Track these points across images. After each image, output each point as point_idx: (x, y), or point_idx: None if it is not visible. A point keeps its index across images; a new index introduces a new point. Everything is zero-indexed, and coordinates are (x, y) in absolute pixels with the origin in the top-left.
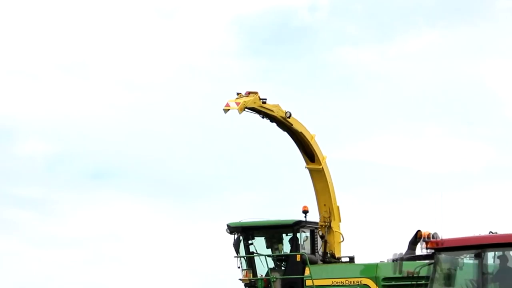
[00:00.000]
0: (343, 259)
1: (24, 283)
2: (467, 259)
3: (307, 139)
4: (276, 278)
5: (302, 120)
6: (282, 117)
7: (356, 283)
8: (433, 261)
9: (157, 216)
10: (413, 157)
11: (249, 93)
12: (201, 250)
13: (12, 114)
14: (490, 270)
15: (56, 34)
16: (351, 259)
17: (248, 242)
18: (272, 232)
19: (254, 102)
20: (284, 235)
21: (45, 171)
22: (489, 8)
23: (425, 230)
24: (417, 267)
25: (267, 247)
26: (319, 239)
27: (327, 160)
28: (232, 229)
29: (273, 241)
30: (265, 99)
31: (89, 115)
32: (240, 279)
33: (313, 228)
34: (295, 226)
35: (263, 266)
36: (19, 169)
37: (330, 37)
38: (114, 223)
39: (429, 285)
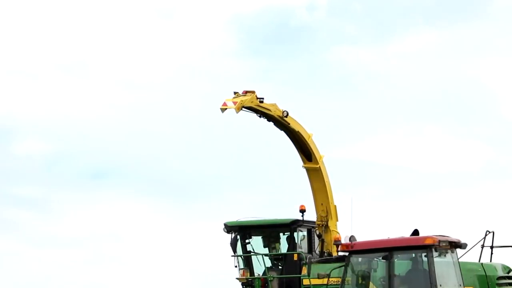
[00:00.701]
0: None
1: (23, 283)
2: (377, 261)
3: (304, 138)
4: (273, 277)
5: (301, 119)
6: (279, 116)
7: None
8: (344, 263)
9: (156, 216)
10: (411, 157)
11: (246, 92)
12: (199, 249)
13: (11, 113)
14: (397, 271)
15: (56, 33)
16: None
17: (245, 241)
18: (269, 231)
19: (251, 101)
20: (281, 234)
21: (44, 170)
22: (487, 7)
23: (338, 235)
24: (329, 269)
25: (264, 246)
26: (316, 238)
27: (324, 159)
28: (229, 228)
29: (270, 240)
30: (262, 98)
31: (89, 114)
32: (237, 278)
33: (310, 227)
34: (292, 225)
35: (260, 265)
36: (18, 168)
37: (328, 36)
38: (113, 223)
39: (340, 286)
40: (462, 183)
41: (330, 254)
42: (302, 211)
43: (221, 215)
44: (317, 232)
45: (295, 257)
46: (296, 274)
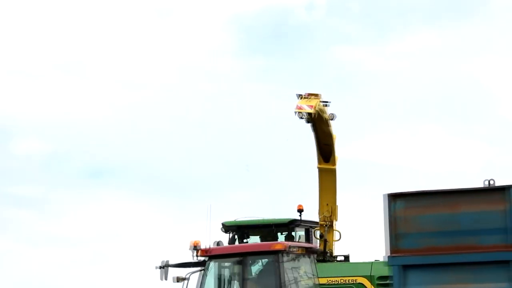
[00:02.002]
0: (338, 258)
1: (21, 282)
2: (233, 266)
3: (332, 140)
4: None
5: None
6: (326, 119)
7: (351, 282)
8: (203, 267)
9: (155, 215)
10: (411, 156)
11: (310, 94)
12: None
13: (10, 113)
14: (250, 276)
15: (54, 33)
16: (346, 258)
17: (243, 241)
18: (267, 230)
19: (319, 105)
20: (279, 233)
21: (43, 170)
22: (485, 7)
23: (196, 239)
24: (188, 273)
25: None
26: (314, 238)
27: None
28: (227, 227)
29: (268, 239)
30: (327, 102)
31: (87, 114)
32: None
33: (308, 227)
34: (290, 225)
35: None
36: (17, 168)
37: (327, 36)
38: (112, 222)
39: None
40: (462, 183)
41: (332, 254)
42: (300, 210)
43: (218, 214)
44: (319, 232)
45: None
46: None
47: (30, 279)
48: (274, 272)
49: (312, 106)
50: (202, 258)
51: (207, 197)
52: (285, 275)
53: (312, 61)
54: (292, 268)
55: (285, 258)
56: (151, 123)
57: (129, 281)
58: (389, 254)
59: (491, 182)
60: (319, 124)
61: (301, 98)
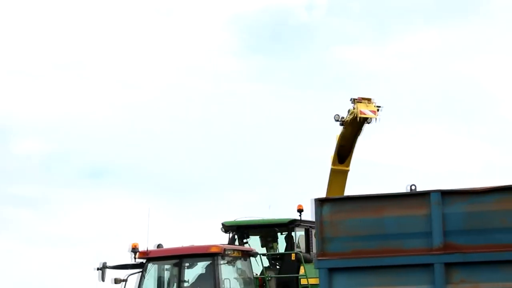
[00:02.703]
0: None
1: (21, 282)
2: (170, 268)
3: (354, 143)
4: (271, 277)
5: (301, 118)
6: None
7: None
8: (142, 269)
9: (155, 215)
10: (411, 156)
11: (363, 99)
12: None
13: (10, 113)
14: (187, 278)
15: (54, 33)
16: None
17: (242, 241)
18: (267, 230)
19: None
20: (279, 234)
21: (43, 170)
22: (485, 7)
23: (135, 242)
24: (126, 275)
25: (262, 246)
26: (314, 238)
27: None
28: (227, 228)
29: (268, 240)
30: (379, 106)
31: (87, 114)
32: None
33: (308, 227)
34: (290, 225)
35: (258, 265)
36: (17, 168)
37: (327, 35)
38: (112, 222)
39: None
40: (462, 183)
41: None
42: (300, 210)
43: (217, 214)
44: None
45: (293, 257)
46: (293, 274)
47: (30, 279)
48: (210, 275)
49: (374, 111)
50: (140, 260)
51: (207, 197)
52: (222, 277)
53: (312, 61)
54: (228, 270)
55: (221, 261)
56: (151, 123)
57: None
58: (316, 258)
59: (413, 187)
60: (354, 127)
61: (354, 102)
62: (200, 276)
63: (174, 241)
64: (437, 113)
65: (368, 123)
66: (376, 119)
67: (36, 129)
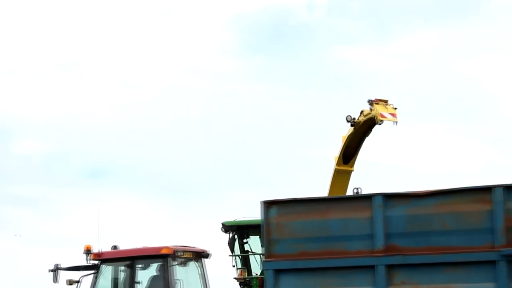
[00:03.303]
0: None
1: (21, 282)
2: (123, 269)
3: (361, 144)
4: None
5: (301, 118)
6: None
7: None
8: (95, 271)
9: (155, 215)
10: (411, 156)
11: (380, 100)
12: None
13: (10, 113)
14: (139, 279)
15: (54, 33)
16: None
17: (243, 241)
18: None
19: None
20: None
21: (43, 169)
22: (486, 6)
23: (88, 243)
24: (80, 276)
25: (262, 246)
26: None
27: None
28: (227, 227)
29: None
30: (396, 108)
31: (87, 114)
32: (235, 278)
33: None
34: None
35: (258, 265)
36: (17, 167)
37: (328, 35)
38: (112, 222)
39: None
40: (462, 182)
41: None
42: None
43: (217, 214)
44: None
45: None
46: None
47: (30, 279)
48: (162, 276)
49: (394, 114)
50: (93, 262)
51: (207, 197)
52: (173, 278)
53: (312, 61)
54: (180, 272)
55: (172, 262)
56: (151, 123)
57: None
58: (263, 259)
59: (358, 190)
60: (366, 129)
61: (372, 104)
62: (153, 278)
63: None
64: (437, 113)
65: (380, 124)
66: (395, 122)
67: (36, 129)
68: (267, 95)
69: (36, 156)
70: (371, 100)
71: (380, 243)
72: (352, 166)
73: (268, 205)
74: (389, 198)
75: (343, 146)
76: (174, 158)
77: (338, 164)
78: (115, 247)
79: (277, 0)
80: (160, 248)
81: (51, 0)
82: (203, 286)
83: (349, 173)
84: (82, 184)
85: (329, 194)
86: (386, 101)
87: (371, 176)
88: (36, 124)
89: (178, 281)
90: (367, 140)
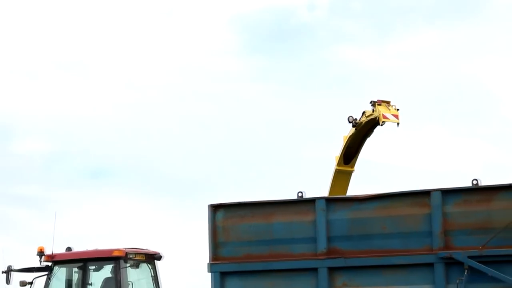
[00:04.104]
0: None
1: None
2: (76, 271)
3: (362, 145)
4: None
5: (301, 118)
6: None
7: None
8: (47, 272)
9: (156, 214)
10: (411, 156)
11: (382, 101)
12: (197, 248)
13: (11, 112)
14: (92, 281)
15: (56, 33)
16: None
17: None
18: None
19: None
20: None
21: (43, 169)
22: (486, 6)
23: (41, 245)
24: (33, 278)
25: None
26: None
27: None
28: None
29: None
30: (398, 109)
31: (88, 114)
32: None
33: None
34: None
35: None
36: (18, 167)
37: (329, 35)
38: (112, 222)
39: None
40: (462, 182)
41: None
42: None
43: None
44: None
45: None
46: None
47: (30, 279)
48: (113, 278)
49: (396, 115)
50: (47, 263)
51: (207, 197)
52: (125, 281)
53: (313, 61)
54: (132, 274)
55: (124, 264)
56: (151, 123)
57: None
58: (209, 262)
59: (301, 194)
60: (367, 129)
61: (374, 105)
62: (105, 280)
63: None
64: (437, 113)
65: (381, 125)
66: (398, 123)
67: (37, 129)
68: (268, 95)
69: (37, 156)
70: (374, 101)
71: (322, 246)
72: (353, 166)
73: (215, 208)
74: (332, 201)
75: (344, 147)
76: (174, 158)
77: (338, 164)
78: (69, 249)
79: (278, 0)
80: (112, 251)
81: (53, 0)
82: (153, 287)
83: (349, 173)
84: (82, 184)
85: (329, 194)
86: (388, 102)
87: (371, 176)
88: (37, 124)
89: (130, 283)
90: (368, 139)
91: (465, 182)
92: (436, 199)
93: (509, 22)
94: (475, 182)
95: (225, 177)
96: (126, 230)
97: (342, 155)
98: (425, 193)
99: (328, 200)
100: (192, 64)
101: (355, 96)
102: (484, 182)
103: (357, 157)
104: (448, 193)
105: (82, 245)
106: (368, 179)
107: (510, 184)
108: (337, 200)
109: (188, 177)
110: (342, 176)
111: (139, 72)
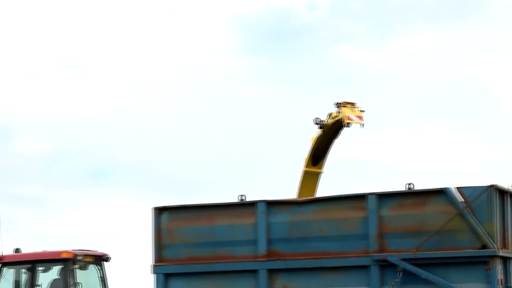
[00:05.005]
0: None
1: None
2: (25, 273)
3: (330, 146)
4: None
5: (301, 118)
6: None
7: None
8: None
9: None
10: (411, 156)
11: (346, 103)
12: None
13: (11, 112)
14: (41, 282)
15: (56, 33)
16: None
17: None
18: None
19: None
20: None
21: (44, 169)
22: (487, 6)
23: None
24: None
25: None
26: None
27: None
28: None
29: None
30: (363, 111)
31: (88, 114)
32: None
33: None
34: None
35: None
36: (18, 167)
37: (329, 35)
38: (112, 222)
39: None
40: (462, 182)
41: None
42: None
43: None
44: None
45: None
46: None
47: None
48: (61, 279)
49: (360, 117)
50: None
51: (207, 197)
52: (73, 282)
53: (313, 61)
54: (80, 275)
55: (72, 266)
56: (152, 123)
57: (129, 280)
58: (153, 263)
59: (243, 197)
60: (333, 131)
61: (339, 107)
62: (54, 281)
63: None
64: (437, 113)
65: (348, 127)
66: (362, 125)
67: (37, 129)
68: (268, 95)
69: (37, 156)
70: (339, 103)
71: (262, 248)
72: (321, 168)
73: (159, 211)
74: (272, 205)
75: (312, 148)
76: (174, 158)
77: (307, 166)
78: (17, 250)
79: (278, 0)
80: (60, 252)
81: (52, 1)
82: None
83: (317, 174)
84: (82, 184)
85: (298, 195)
86: (353, 104)
87: (371, 176)
88: (37, 124)
89: (78, 284)
90: (368, 140)
91: (465, 182)
92: (372, 203)
93: (509, 22)
94: (409, 186)
95: (225, 177)
96: (126, 230)
97: (310, 157)
98: (362, 197)
99: (268, 203)
100: (192, 64)
101: (356, 96)
102: (484, 182)
103: (325, 159)
104: (383, 197)
105: (82, 245)
106: (368, 179)
107: (443, 188)
108: (277, 203)
109: (188, 177)
110: (310, 177)
111: (139, 72)
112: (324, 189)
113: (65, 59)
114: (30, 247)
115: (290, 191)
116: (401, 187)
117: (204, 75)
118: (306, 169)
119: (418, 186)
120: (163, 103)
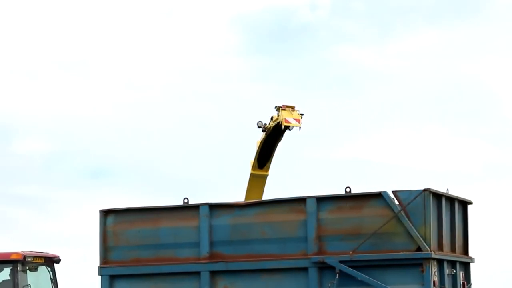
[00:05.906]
0: None
1: None
2: None
3: (274, 149)
4: None
5: (302, 117)
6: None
7: None
8: None
9: None
10: (411, 156)
11: (286, 106)
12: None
13: (11, 112)
14: None
15: (56, 33)
16: None
17: None
18: None
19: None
20: None
21: (44, 169)
22: (488, 6)
23: None
24: None
25: None
26: None
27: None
28: None
29: None
30: (302, 114)
31: (89, 114)
32: None
33: None
34: None
35: None
36: (18, 167)
37: (330, 35)
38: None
39: None
40: (462, 182)
41: None
42: None
43: None
44: None
45: None
46: None
47: None
48: (11, 281)
49: (298, 120)
50: None
51: (207, 197)
52: (22, 284)
53: (314, 61)
54: (30, 277)
55: (22, 268)
56: (152, 123)
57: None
58: (99, 265)
59: (186, 200)
60: (277, 134)
61: (279, 110)
62: (3, 283)
63: None
64: (437, 113)
65: (290, 130)
66: (299, 128)
67: (37, 129)
68: (268, 95)
69: (37, 155)
70: (279, 106)
71: (205, 250)
72: (267, 170)
73: (105, 213)
74: (215, 207)
75: (257, 151)
76: (174, 158)
77: (253, 168)
78: None
79: (279, 0)
80: (10, 254)
81: (52, 1)
82: None
83: (264, 177)
84: (82, 184)
85: (245, 198)
86: (293, 107)
87: (372, 175)
88: (37, 124)
89: (28, 285)
90: (367, 140)
91: (466, 182)
92: (311, 206)
93: (509, 22)
94: (347, 189)
95: (225, 177)
96: None
97: (256, 160)
98: (301, 200)
99: (211, 206)
100: (192, 64)
101: (357, 96)
102: (484, 182)
103: (270, 161)
104: (322, 200)
105: (82, 245)
106: (368, 179)
107: (380, 192)
108: (219, 206)
109: (188, 177)
110: (257, 180)
111: (139, 72)
112: (324, 189)
113: (65, 59)
114: (30, 247)
115: (290, 191)
116: (401, 187)
117: (204, 75)
118: (253, 171)
119: (418, 186)
120: (163, 103)
